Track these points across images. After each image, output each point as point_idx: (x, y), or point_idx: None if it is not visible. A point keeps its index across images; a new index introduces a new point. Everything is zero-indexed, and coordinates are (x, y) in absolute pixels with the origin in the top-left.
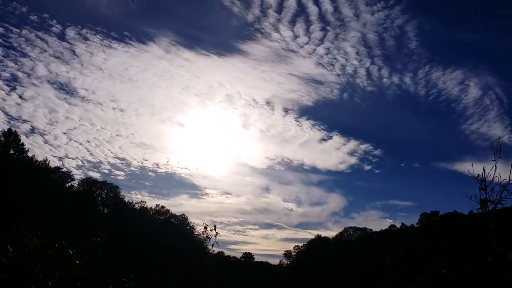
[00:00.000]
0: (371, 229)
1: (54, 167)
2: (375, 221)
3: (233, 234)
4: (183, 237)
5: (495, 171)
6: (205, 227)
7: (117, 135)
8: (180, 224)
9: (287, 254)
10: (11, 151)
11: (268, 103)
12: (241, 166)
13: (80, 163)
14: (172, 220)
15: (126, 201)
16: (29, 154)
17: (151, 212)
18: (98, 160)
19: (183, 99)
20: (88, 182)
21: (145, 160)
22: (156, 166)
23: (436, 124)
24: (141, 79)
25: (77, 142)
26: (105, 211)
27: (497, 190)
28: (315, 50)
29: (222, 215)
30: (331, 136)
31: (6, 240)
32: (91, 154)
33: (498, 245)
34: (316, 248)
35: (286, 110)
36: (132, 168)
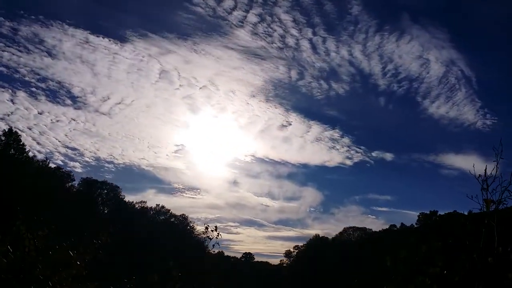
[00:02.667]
0: (370, 229)
1: (54, 167)
2: (357, 217)
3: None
4: (183, 237)
5: (496, 171)
6: (206, 228)
7: (57, 120)
8: (180, 224)
9: (288, 254)
10: (12, 151)
11: (211, 82)
12: (202, 157)
13: (30, 153)
14: (172, 220)
15: (127, 201)
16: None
17: (151, 212)
18: (48, 150)
19: (115, 76)
20: (88, 182)
21: (98, 150)
22: (112, 157)
23: (401, 107)
24: (60, 52)
25: (18, 129)
26: (105, 211)
27: (499, 190)
28: (245, 17)
29: (195, 211)
30: (290, 122)
31: (7, 240)
32: (38, 143)
33: (499, 245)
34: (316, 248)
35: (233, 92)
36: (87, 159)
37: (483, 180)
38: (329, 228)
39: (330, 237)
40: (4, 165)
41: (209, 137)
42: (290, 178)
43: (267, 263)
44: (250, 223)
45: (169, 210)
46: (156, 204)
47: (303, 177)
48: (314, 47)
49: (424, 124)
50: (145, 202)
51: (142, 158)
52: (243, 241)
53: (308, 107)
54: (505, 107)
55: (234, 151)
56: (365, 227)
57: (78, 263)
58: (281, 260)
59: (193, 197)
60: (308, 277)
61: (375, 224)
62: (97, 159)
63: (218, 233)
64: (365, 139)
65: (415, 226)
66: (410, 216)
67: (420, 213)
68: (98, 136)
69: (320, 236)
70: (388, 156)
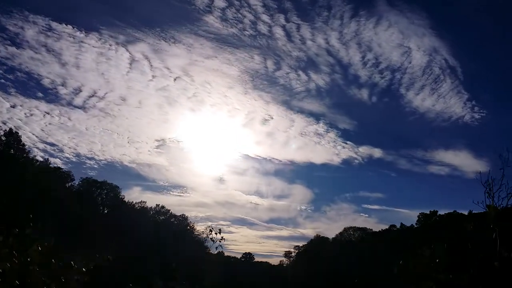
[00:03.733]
0: (371, 229)
1: (54, 167)
2: (349, 215)
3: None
4: (183, 237)
5: (502, 178)
6: (210, 231)
7: (31, 114)
8: (180, 224)
9: (288, 254)
10: (12, 151)
11: (185, 73)
12: (184, 153)
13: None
14: (172, 220)
15: (126, 201)
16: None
17: (151, 212)
18: (26, 146)
19: (83, 66)
20: (88, 182)
21: (77, 145)
22: (92, 153)
23: (385, 99)
24: (24, 41)
25: None
26: (105, 211)
27: (503, 195)
28: (212, 1)
29: (183, 210)
30: (272, 116)
31: (10, 244)
32: None
33: (502, 249)
34: (317, 248)
35: (209, 83)
36: (67, 155)
37: (488, 185)
38: (321, 227)
39: (330, 237)
40: (4, 165)
41: (189, 131)
42: (277, 175)
43: (267, 263)
44: (241, 222)
45: (169, 210)
46: (156, 204)
47: (290, 174)
48: (288, 35)
49: (410, 117)
50: (145, 202)
51: (124, 154)
52: (237, 240)
53: (288, 100)
54: (493, 99)
55: (217, 146)
56: (366, 227)
57: (84, 269)
58: (281, 260)
59: (180, 195)
60: (308, 277)
61: (368, 222)
62: (78, 155)
63: (222, 237)
64: (351, 134)
65: (415, 226)
66: (403, 215)
67: (420, 213)
68: (75, 131)
69: (320, 236)
70: (376, 152)
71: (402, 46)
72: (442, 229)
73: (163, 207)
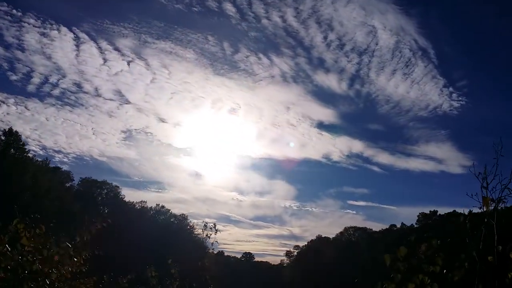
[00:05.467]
0: (371, 229)
1: (54, 167)
2: (336, 212)
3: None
4: (183, 237)
5: (496, 169)
6: (205, 226)
7: None
8: (180, 223)
9: (288, 253)
10: (12, 151)
11: (138, 56)
12: (154, 146)
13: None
14: (172, 219)
15: (126, 201)
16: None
17: (151, 212)
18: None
19: (28, 48)
20: (88, 181)
21: (41, 137)
22: (58, 146)
23: (355, 85)
24: None
25: None
26: (105, 211)
27: (498, 188)
28: None
29: (166, 208)
30: (240, 105)
31: (5, 239)
32: None
33: (499, 244)
34: (317, 248)
35: (165, 67)
36: (33, 148)
37: (483, 178)
38: (309, 225)
39: (331, 237)
40: (4, 164)
41: (154, 122)
42: (255, 170)
43: (267, 263)
44: (226, 219)
45: (169, 210)
46: (156, 204)
47: (269, 169)
48: (240, 12)
49: (384, 106)
50: (145, 202)
51: (91, 147)
52: (226, 239)
53: (253, 86)
54: (472, 86)
55: (187, 139)
56: (365, 227)
57: (76, 259)
58: (281, 260)
59: (158, 191)
60: (309, 277)
61: (356, 220)
62: (44, 148)
63: (216, 230)
64: (325, 124)
65: (415, 225)
66: (391, 211)
67: (420, 213)
68: (35, 122)
69: (321, 236)
70: (355, 144)
71: (366, 24)
72: (442, 228)
73: (163, 206)
